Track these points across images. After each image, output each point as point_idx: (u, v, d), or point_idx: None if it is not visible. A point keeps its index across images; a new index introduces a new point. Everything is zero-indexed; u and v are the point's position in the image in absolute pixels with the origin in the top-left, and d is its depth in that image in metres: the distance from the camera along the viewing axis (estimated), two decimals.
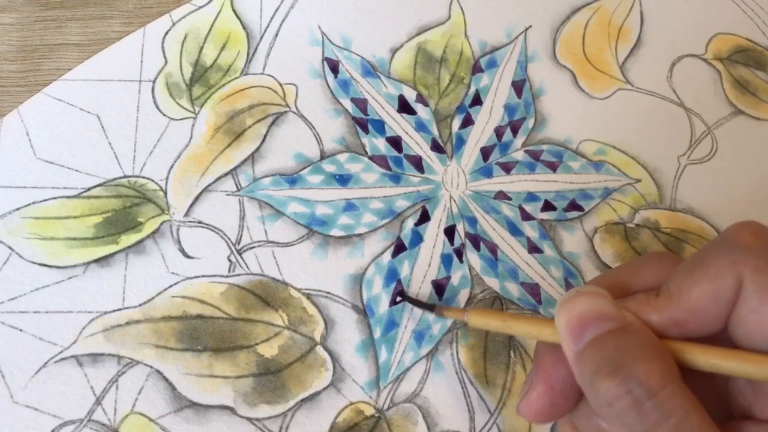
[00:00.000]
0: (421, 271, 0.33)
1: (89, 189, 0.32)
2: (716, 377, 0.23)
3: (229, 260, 0.32)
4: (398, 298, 0.32)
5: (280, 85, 0.36)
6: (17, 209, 0.31)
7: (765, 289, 0.21)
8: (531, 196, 0.35)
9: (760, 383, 0.22)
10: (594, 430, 0.24)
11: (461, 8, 0.39)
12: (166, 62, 0.35)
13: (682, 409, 0.20)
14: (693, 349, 0.22)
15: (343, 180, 0.34)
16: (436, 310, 0.30)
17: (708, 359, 0.22)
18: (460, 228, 0.34)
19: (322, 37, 0.37)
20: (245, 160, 0.34)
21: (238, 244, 0.32)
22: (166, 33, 0.36)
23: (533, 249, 0.34)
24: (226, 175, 0.33)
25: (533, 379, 0.25)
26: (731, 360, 0.22)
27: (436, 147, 0.36)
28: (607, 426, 0.23)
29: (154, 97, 0.34)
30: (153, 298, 0.30)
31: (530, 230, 0.34)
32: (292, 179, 0.34)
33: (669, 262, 0.25)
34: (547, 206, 0.35)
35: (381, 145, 0.35)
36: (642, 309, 0.23)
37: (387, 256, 0.33)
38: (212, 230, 0.32)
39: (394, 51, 0.37)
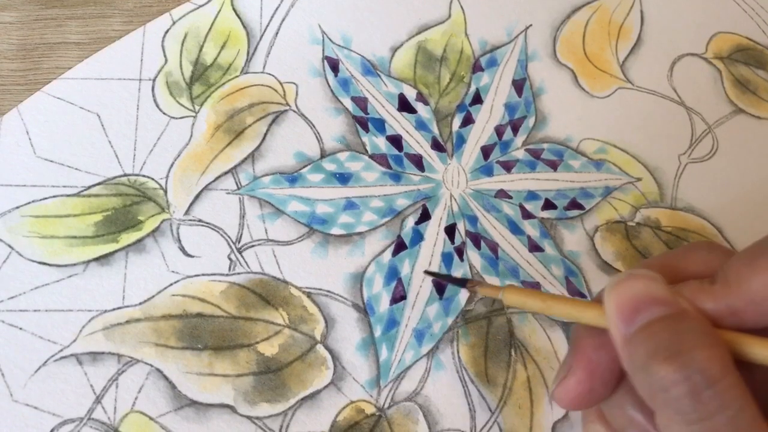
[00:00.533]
0: (422, 270, 0.32)
1: (89, 187, 0.32)
2: (756, 373, 0.23)
3: (230, 259, 0.32)
4: (428, 276, 0.31)
5: (281, 83, 0.36)
6: (17, 207, 0.31)
7: None
8: (532, 195, 0.35)
9: None
10: (625, 421, 0.23)
11: (461, 7, 0.39)
12: (166, 61, 0.35)
13: (739, 401, 0.20)
14: (750, 341, 0.21)
15: (343, 178, 0.34)
16: (468, 286, 0.27)
17: (766, 353, 0.21)
18: (461, 226, 0.34)
19: (323, 36, 0.37)
20: (245, 158, 0.34)
21: (239, 242, 0.32)
22: (166, 32, 0.36)
23: (534, 248, 0.34)
24: (226, 173, 0.33)
25: (571, 364, 0.24)
26: None
27: (437, 146, 0.36)
28: (643, 418, 0.22)
29: (154, 95, 0.34)
30: (153, 296, 0.30)
31: (531, 229, 0.34)
32: (293, 178, 0.34)
33: (719, 251, 0.24)
34: (548, 205, 0.35)
35: (381, 143, 0.35)
36: (696, 296, 0.22)
37: (387, 255, 0.33)
38: (212, 229, 0.32)
39: (394, 50, 0.37)
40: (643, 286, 0.22)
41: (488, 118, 0.37)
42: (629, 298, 0.22)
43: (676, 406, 0.20)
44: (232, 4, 0.37)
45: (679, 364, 0.20)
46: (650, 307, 0.22)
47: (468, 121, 0.36)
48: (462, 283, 0.29)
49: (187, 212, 0.32)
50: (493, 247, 0.34)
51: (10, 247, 0.30)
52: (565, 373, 0.24)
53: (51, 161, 0.32)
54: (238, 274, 0.31)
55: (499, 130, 0.36)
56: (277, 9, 0.37)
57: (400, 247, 0.33)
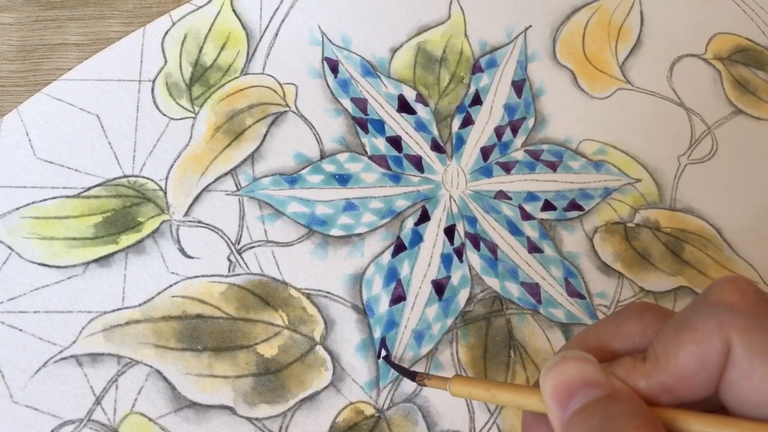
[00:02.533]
0: (421, 271, 0.33)
1: (89, 189, 0.32)
2: None
3: (229, 260, 0.32)
4: (381, 360, 0.31)
5: (280, 84, 0.36)
6: (17, 209, 0.31)
7: (755, 352, 0.20)
8: (531, 196, 0.35)
9: None
10: None
11: (461, 8, 0.39)
12: (165, 62, 0.35)
13: None
14: (685, 416, 0.21)
15: (342, 180, 0.34)
16: (417, 379, 0.28)
17: (702, 428, 0.21)
18: (460, 228, 0.34)
19: (322, 37, 0.37)
20: (245, 159, 0.34)
21: (238, 243, 0.32)
22: (166, 33, 0.36)
23: (533, 249, 0.34)
24: (225, 174, 0.33)
25: None
26: (726, 428, 0.21)
27: (436, 147, 0.36)
28: None
29: (153, 96, 0.34)
30: (153, 297, 0.30)
31: (530, 230, 0.34)
32: (292, 179, 0.34)
33: (651, 317, 0.24)
34: (547, 206, 0.35)
35: (381, 144, 0.35)
36: (629, 375, 0.22)
37: (387, 256, 0.33)
38: (212, 230, 0.32)
39: (393, 51, 0.37)
40: (575, 369, 0.22)
41: (488, 119, 0.37)
42: (562, 382, 0.22)
43: None
44: (232, 5, 0.37)
45: None
46: (583, 390, 0.22)
47: (467, 122, 0.36)
48: (412, 376, 0.29)
49: (186, 213, 0.32)
50: (493, 248, 0.34)
51: (9, 248, 0.31)
52: None
53: (51, 162, 0.32)
54: (238, 275, 0.31)
55: (498, 131, 0.36)
56: (276, 10, 0.37)
57: (399, 248, 0.33)
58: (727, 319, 0.21)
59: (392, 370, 0.30)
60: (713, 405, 0.22)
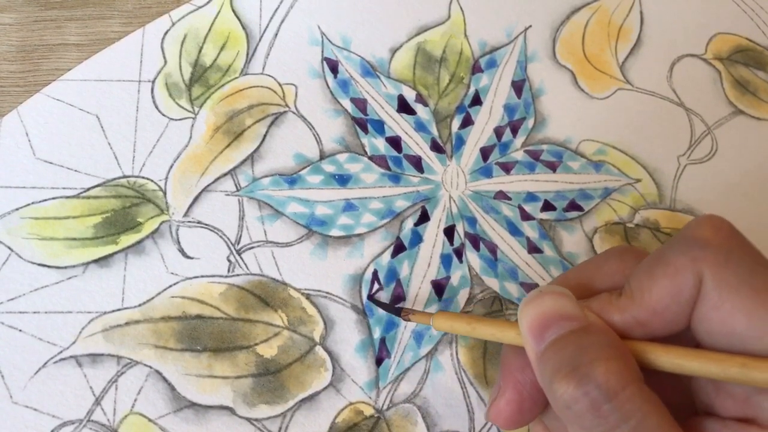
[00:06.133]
0: (421, 271, 0.33)
1: (88, 189, 0.32)
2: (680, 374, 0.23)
3: (229, 260, 0.32)
4: (366, 301, 0.32)
5: (280, 85, 0.36)
6: (17, 209, 0.31)
7: (725, 285, 0.21)
8: (531, 196, 0.35)
9: (721, 381, 0.22)
10: (564, 431, 0.24)
11: (461, 8, 0.39)
12: (165, 62, 0.35)
13: (641, 411, 0.20)
14: (655, 349, 0.22)
15: (342, 180, 0.34)
16: (402, 315, 0.29)
17: (670, 359, 0.22)
18: (460, 228, 0.34)
19: (322, 37, 0.37)
20: (245, 160, 0.34)
21: (238, 244, 0.32)
22: (166, 33, 0.36)
23: (533, 249, 0.34)
24: (225, 175, 0.33)
25: (500, 384, 0.25)
26: (693, 360, 0.21)
27: (436, 147, 0.36)
28: None
29: (153, 97, 0.34)
30: (152, 298, 0.30)
31: (530, 230, 0.34)
32: (292, 179, 0.34)
33: (631, 257, 0.25)
34: (547, 206, 0.35)
35: (380, 145, 0.35)
36: (605, 309, 0.23)
37: (386, 256, 0.33)
38: (211, 230, 0.32)
39: (393, 51, 0.37)
40: (551, 303, 0.23)
41: (487, 119, 0.37)
42: (539, 315, 0.23)
43: (580, 422, 0.21)
44: (232, 5, 0.37)
45: (577, 380, 0.20)
46: (558, 323, 0.22)
47: (467, 122, 0.36)
48: (397, 312, 0.30)
49: (186, 214, 0.32)
50: (492, 248, 0.34)
51: (9, 248, 0.31)
52: (495, 394, 0.25)
53: (50, 163, 0.32)
54: (237, 275, 0.31)
55: (498, 132, 0.36)
56: (276, 10, 0.37)
57: (399, 248, 0.33)
58: (700, 253, 0.21)
59: (392, 369, 0.30)
60: (686, 342, 0.22)
